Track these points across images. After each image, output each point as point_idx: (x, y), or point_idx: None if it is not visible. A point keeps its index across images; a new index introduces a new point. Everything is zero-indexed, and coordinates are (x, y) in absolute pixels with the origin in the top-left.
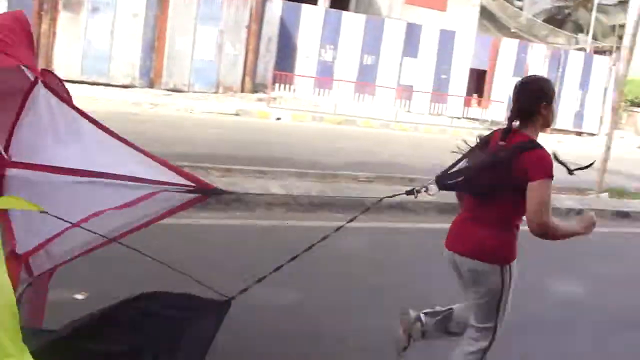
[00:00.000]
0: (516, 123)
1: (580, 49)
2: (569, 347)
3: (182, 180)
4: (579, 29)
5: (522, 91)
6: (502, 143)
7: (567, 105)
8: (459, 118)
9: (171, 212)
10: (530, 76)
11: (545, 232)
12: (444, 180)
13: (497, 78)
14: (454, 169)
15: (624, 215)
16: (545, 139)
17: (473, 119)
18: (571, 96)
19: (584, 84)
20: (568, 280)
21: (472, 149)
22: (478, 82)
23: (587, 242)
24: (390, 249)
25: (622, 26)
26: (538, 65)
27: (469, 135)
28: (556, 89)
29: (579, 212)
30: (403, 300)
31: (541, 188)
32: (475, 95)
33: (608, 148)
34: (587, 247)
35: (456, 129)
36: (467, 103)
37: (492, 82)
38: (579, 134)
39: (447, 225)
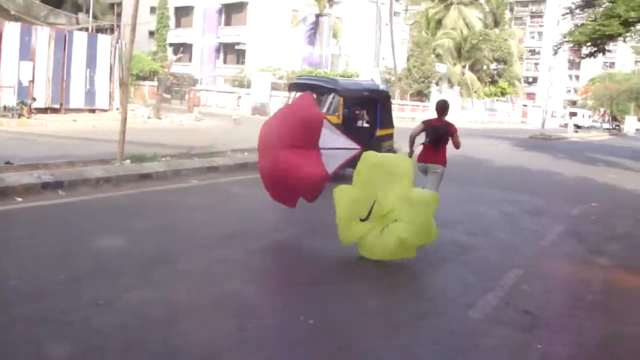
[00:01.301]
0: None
1: (82, 29)
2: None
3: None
4: (79, 8)
5: (440, 105)
6: (440, 119)
7: (77, 85)
8: None
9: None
10: (442, 99)
11: (459, 146)
12: (428, 138)
13: (5, 63)
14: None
15: (146, 176)
16: (60, 119)
17: None
18: (80, 75)
19: (90, 63)
20: (114, 235)
21: (424, 128)
22: None
23: (123, 203)
24: None
25: (119, 4)
26: (44, 47)
27: None
28: (64, 70)
29: (108, 179)
30: None
31: (457, 134)
32: None
33: (124, 120)
34: (124, 207)
35: None
36: None
37: (0, 67)
38: (92, 111)
39: None
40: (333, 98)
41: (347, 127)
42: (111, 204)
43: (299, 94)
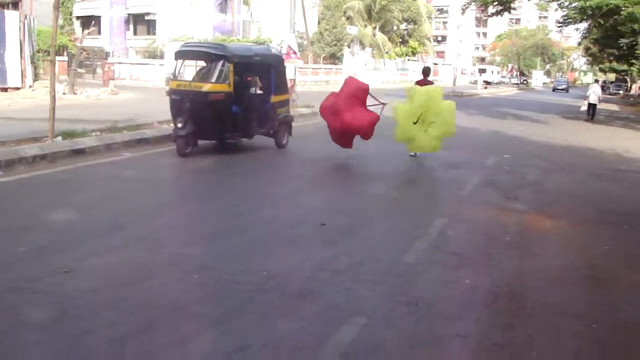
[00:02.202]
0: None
1: None
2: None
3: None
4: None
5: (425, 69)
6: (425, 80)
7: None
8: None
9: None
10: (427, 66)
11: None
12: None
13: None
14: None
15: (80, 152)
16: None
17: None
18: None
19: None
20: (62, 208)
21: (416, 85)
22: None
23: (63, 178)
24: None
25: None
26: None
27: None
28: None
29: (44, 157)
30: None
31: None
32: None
33: (53, 97)
34: (65, 182)
35: None
36: None
37: None
38: (5, 89)
39: None
40: (223, 65)
41: (239, 95)
42: (52, 180)
43: (186, 62)
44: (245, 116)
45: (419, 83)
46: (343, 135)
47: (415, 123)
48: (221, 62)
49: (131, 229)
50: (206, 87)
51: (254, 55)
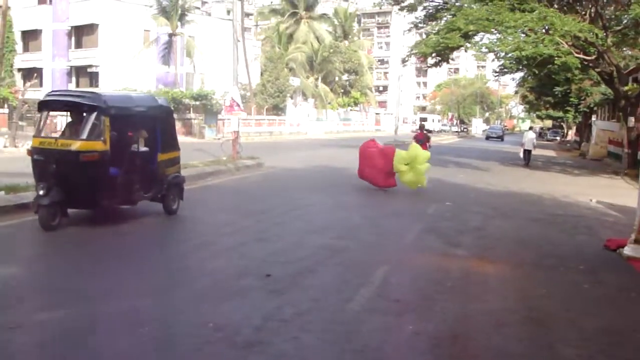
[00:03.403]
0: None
1: None
2: None
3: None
4: None
5: (421, 124)
6: (422, 132)
7: None
8: None
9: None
10: (422, 122)
11: (430, 144)
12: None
13: None
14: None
15: (24, 206)
16: None
17: None
18: None
19: None
20: (6, 265)
21: (415, 136)
22: None
23: (6, 233)
24: None
25: None
26: None
27: None
28: None
29: None
30: None
31: (431, 139)
32: None
33: None
34: (7, 237)
35: None
36: None
37: None
38: None
39: None
40: (97, 118)
41: (118, 154)
42: None
43: (52, 113)
44: (126, 179)
45: (418, 135)
46: (366, 179)
47: (406, 165)
48: (94, 114)
49: (75, 283)
50: (76, 145)
51: (135, 106)
